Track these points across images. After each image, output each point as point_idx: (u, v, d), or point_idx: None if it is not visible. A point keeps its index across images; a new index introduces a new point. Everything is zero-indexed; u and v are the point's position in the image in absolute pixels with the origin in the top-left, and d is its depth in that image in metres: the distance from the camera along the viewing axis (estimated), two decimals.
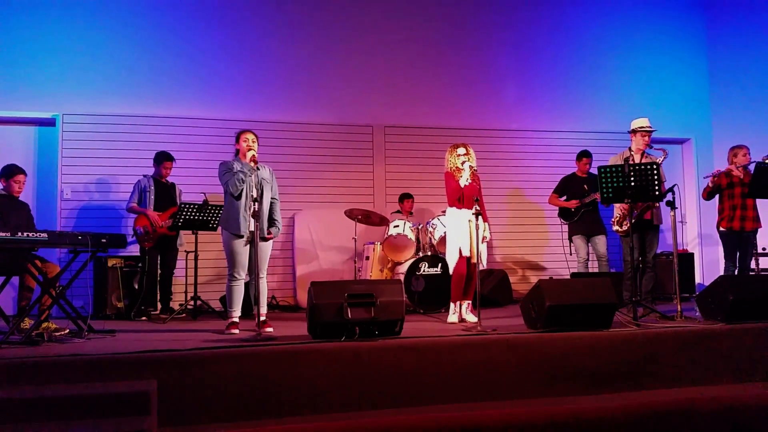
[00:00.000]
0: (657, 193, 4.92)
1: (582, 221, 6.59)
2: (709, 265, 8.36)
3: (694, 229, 8.59)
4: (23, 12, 6.92)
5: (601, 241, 6.54)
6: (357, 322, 4.02)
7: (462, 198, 5.24)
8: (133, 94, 7.12)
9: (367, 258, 6.87)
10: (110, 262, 6.24)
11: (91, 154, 6.90)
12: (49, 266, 5.00)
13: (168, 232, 6.14)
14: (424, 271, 6.39)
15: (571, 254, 6.72)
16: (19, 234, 4.19)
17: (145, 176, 6.33)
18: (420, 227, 6.74)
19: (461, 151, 5.35)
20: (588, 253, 6.66)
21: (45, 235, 4.31)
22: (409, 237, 6.50)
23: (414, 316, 5.86)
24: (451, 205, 5.34)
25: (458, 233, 5.24)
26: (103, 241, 4.66)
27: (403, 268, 6.46)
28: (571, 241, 6.71)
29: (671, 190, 5.10)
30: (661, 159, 5.38)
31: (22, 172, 5.29)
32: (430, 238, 6.60)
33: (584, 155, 6.85)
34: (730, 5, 8.69)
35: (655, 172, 4.88)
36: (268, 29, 7.62)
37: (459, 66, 8.14)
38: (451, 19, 8.17)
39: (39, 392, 3.12)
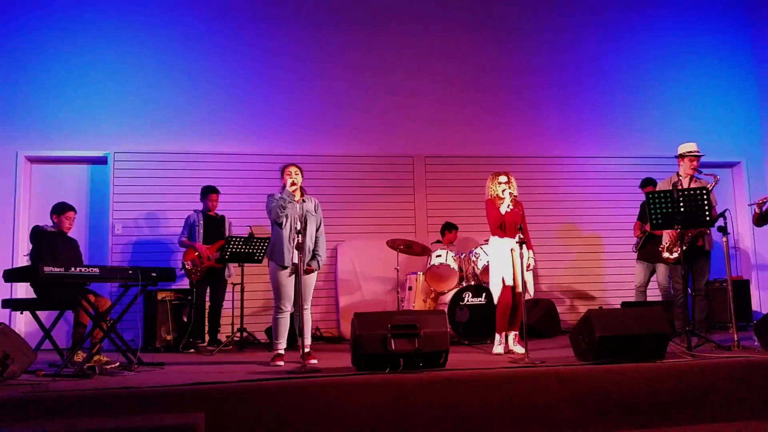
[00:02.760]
0: (707, 218, 4.78)
1: (646, 247, 6.42)
2: (767, 292, 8.04)
3: (748, 254, 8.29)
4: (77, 58, 7.28)
5: (663, 269, 6.30)
6: (401, 354, 3.99)
7: (503, 226, 5.20)
8: (180, 132, 7.36)
9: (410, 288, 6.83)
10: (160, 296, 6.37)
11: (140, 191, 7.13)
12: (101, 300, 5.13)
13: (216, 264, 6.25)
14: (468, 301, 6.32)
15: None
16: (73, 269, 4.32)
17: (195, 211, 6.49)
18: (463, 256, 6.68)
19: (503, 179, 5.32)
20: (647, 281, 6.49)
21: (97, 269, 4.44)
22: (452, 267, 6.45)
23: (458, 347, 5.78)
24: (493, 234, 5.30)
25: (501, 262, 5.18)
26: (153, 275, 4.78)
27: (447, 298, 6.41)
28: None
29: (722, 215, 4.96)
30: (712, 185, 5.24)
31: (73, 209, 5.45)
32: (474, 268, 6.54)
33: (648, 183, 6.68)
34: None
35: (705, 197, 4.74)
36: (308, 66, 7.79)
37: (499, 93, 8.14)
38: (492, 48, 8.20)
39: (90, 425, 3.18)
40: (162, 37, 7.47)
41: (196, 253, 6.23)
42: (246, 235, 6.11)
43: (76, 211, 5.50)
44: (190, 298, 6.36)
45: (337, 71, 7.84)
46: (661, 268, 6.27)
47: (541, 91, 8.24)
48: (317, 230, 5.04)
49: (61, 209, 5.39)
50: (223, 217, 6.61)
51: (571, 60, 8.35)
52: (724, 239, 4.97)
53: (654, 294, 6.63)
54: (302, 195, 5.00)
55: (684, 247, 5.03)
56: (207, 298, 6.41)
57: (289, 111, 7.69)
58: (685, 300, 5.29)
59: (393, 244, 6.65)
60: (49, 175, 7.24)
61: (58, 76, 7.23)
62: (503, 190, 5.26)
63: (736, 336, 4.79)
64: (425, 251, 6.78)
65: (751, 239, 8.21)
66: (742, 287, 7.38)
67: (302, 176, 5.02)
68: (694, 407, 3.96)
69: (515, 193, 5.31)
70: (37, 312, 4.92)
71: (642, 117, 8.34)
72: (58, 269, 4.25)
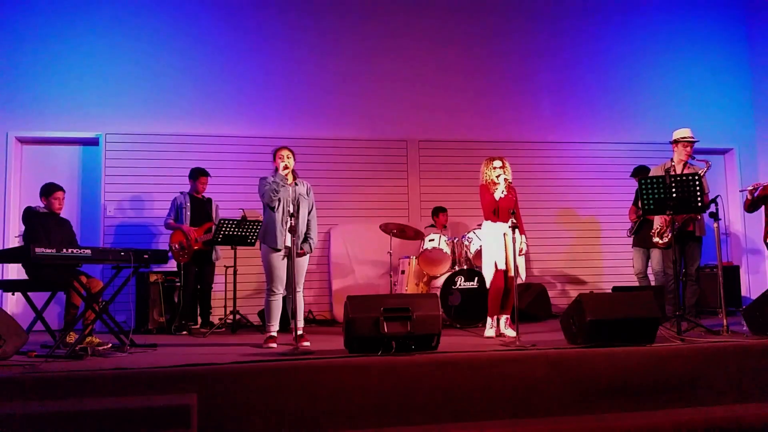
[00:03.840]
0: (699, 204, 4.80)
1: (641, 233, 6.45)
2: (756, 277, 8.11)
3: (739, 240, 8.35)
4: (69, 39, 7.20)
5: (657, 254, 6.33)
6: (393, 337, 4.01)
7: (497, 211, 5.20)
8: (172, 114, 7.31)
9: (403, 272, 6.85)
10: (152, 278, 6.37)
11: (132, 172, 7.10)
12: (93, 281, 5.11)
13: (203, 246, 6.24)
14: (460, 285, 6.35)
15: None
16: (64, 250, 4.31)
17: (181, 193, 6.46)
18: (455, 241, 6.70)
19: (497, 164, 5.31)
20: (645, 267, 6.53)
21: (89, 251, 4.42)
22: (444, 251, 6.47)
23: (450, 330, 5.81)
24: (486, 218, 5.30)
25: (494, 246, 5.20)
26: (145, 256, 4.77)
27: (439, 282, 6.43)
28: None
29: (714, 201, 4.98)
30: (704, 170, 5.25)
31: (60, 188, 5.35)
32: (466, 252, 6.56)
33: (640, 172, 6.62)
34: None
35: (697, 183, 4.76)
36: (301, 48, 7.73)
37: (494, 79, 8.12)
38: (486, 32, 8.16)
39: (82, 406, 3.19)
40: (155, 20, 7.39)
41: (183, 236, 6.21)
42: (239, 218, 6.10)
43: (64, 190, 5.40)
44: (178, 280, 6.35)
45: (331, 55, 7.78)
46: (655, 254, 6.29)
47: (535, 77, 8.22)
48: (309, 213, 5.04)
49: (48, 191, 5.30)
50: (210, 200, 6.59)
51: (566, 45, 8.32)
52: (716, 225, 5.00)
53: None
54: (294, 178, 5.00)
55: (674, 233, 5.05)
56: (195, 280, 6.39)
57: (282, 94, 7.65)
58: (676, 285, 5.32)
59: (386, 228, 6.65)
60: (40, 156, 7.18)
61: (50, 57, 7.14)
62: (498, 176, 5.26)
63: (725, 321, 4.83)
64: (418, 235, 6.79)
65: (742, 225, 8.27)
66: (732, 273, 7.45)
67: (294, 159, 5.01)
68: (683, 391, 4.00)
69: (509, 178, 5.31)
70: (29, 293, 4.90)
71: (636, 103, 8.33)
72: (49, 250, 4.22)
